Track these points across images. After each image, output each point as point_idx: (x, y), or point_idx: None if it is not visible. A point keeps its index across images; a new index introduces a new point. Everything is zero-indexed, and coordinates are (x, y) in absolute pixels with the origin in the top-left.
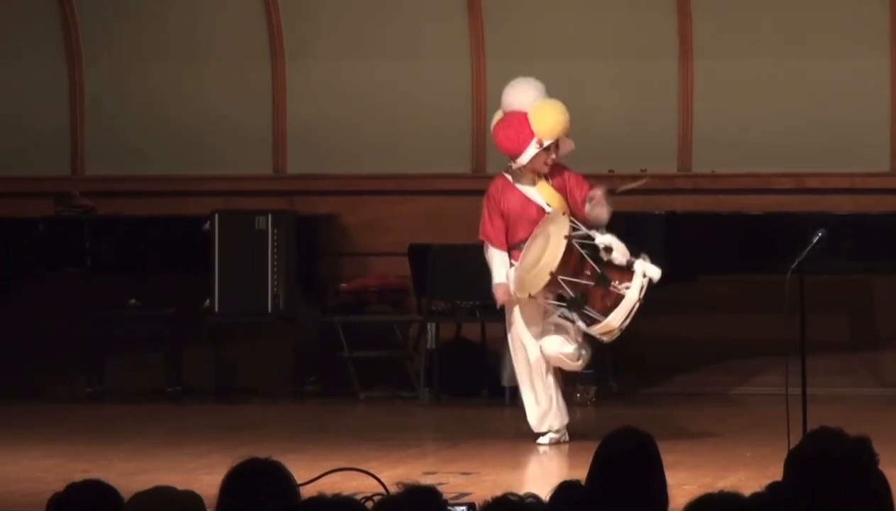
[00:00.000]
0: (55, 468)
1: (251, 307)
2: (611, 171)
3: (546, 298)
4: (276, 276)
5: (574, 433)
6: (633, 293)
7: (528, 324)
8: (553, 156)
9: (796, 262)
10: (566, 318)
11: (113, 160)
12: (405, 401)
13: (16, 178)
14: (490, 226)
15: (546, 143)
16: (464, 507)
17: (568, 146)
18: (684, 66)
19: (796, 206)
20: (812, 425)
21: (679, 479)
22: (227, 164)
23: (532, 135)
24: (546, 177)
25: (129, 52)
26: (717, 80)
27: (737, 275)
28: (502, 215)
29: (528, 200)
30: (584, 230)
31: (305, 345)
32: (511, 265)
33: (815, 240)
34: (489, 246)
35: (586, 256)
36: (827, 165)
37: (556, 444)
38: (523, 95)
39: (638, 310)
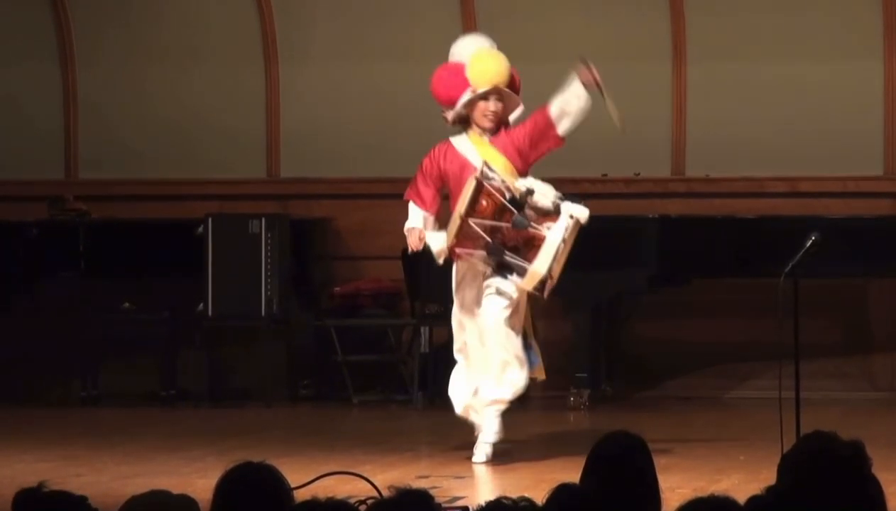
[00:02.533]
0: (50, 472)
1: (245, 311)
2: (604, 174)
3: (469, 253)
4: (269, 280)
5: (567, 437)
6: (555, 234)
7: (459, 288)
8: (492, 107)
9: (790, 266)
10: (498, 274)
11: (107, 164)
12: (399, 404)
13: (9, 181)
14: (418, 188)
15: (481, 91)
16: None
17: (514, 103)
18: (678, 69)
19: (790, 210)
20: (806, 429)
21: (672, 482)
22: (221, 167)
23: (467, 83)
24: (487, 137)
25: (122, 55)
26: (711, 83)
27: (730, 278)
28: (439, 179)
29: (466, 163)
30: (511, 170)
31: (299, 348)
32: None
33: (809, 243)
34: (410, 205)
35: (504, 200)
36: (820, 169)
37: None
38: (466, 49)
39: (567, 254)
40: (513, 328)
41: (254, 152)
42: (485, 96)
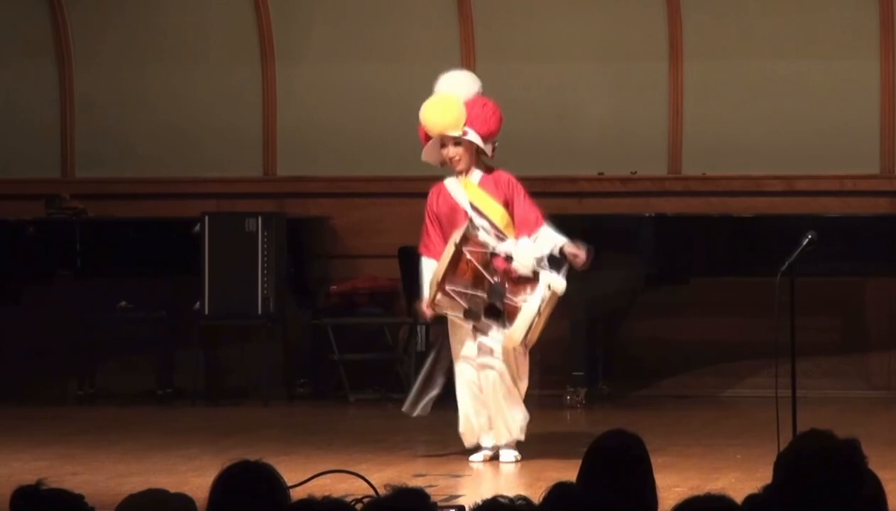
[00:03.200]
0: (46, 470)
1: (241, 309)
2: (601, 173)
3: (454, 312)
4: (266, 279)
5: (564, 435)
6: (531, 305)
7: (458, 342)
8: (450, 154)
9: (786, 265)
10: (477, 329)
11: (103, 162)
12: (395, 403)
13: (6, 180)
14: (426, 238)
15: (430, 141)
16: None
17: (476, 142)
18: (674, 68)
19: (787, 209)
20: (802, 428)
21: (669, 481)
22: (217, 166)
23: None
24: (476, 177)
25: (119, 54)
26: (708, 82)
27: (727, 277)
28: (439, 224)
29: (456, 206)
30: (483, 238)
31: (296, 347)
32: None
33: (806, 242)
34: (424, 259)
35: (479, 267)
36: (817, 168)
37: (488, 461)
38: (438, 88)
39: (545, 321)
40: (515, 379)
41: (250, 151)
42: (443, 143)
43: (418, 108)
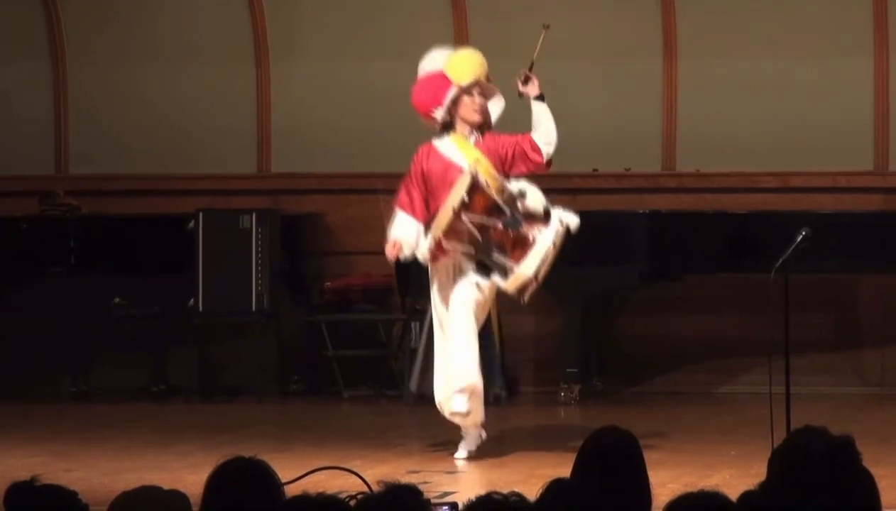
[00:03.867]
0: (40, 467)
1: (236, 306)
2: (595, 170)
3: (455, 248)
4: (260, 275)
5: (558, 432)
6: (546, 238)
7: (441, 300)
8: (479, 100)
9: (780, 262)
10: (479, 274)
11: (97, 159)
12: (389, 399)
13: (0, 177)
14: (404, 193)
15: (465, 85)
16: (446, 507)
17: (492, 92)
18: (668, 65)
19: (781, 206)
20: (796, 424)
21: (663, 477)
22: (211, 163)
23: (449, 82)
24: (473, 138)
25: (113, 51)
26: (702, 79)
27: (721, 274)
28: (423, 181)
29: (450, 164)
30: (495, 175)
31: (290, 344)
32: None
33: (799, 239)
34: (400, 213)
35: (496, 198)
36: (811, 165)
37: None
38: (435, 58)
39: (553, 260)
40: (475, 320)
41: (244, 148)
42: (468, 91)
43: (412, 105)
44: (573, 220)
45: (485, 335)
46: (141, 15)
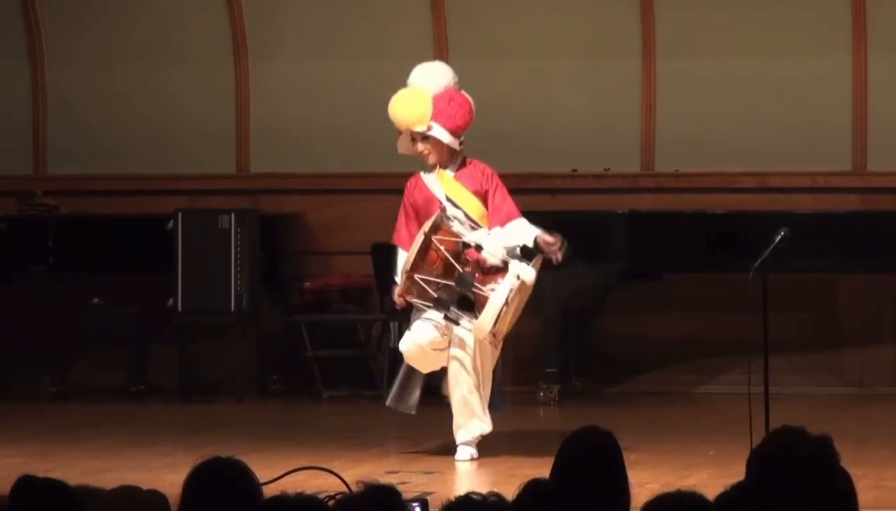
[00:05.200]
0: (19, 467)
1: (215, 306)
2: (574, 170)
3: (421, 300)
4: (239, 275)
5: (537, 432)
6: (499, 295)
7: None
8: (419, 148)
9: (759, 261)
10: (447, 322)
11: (76, 159)
12: (369, 399)
13: None
14: (401, 228)
15: (401, 132)
16: (417, 505)
17: (444, 137)
18: (647, 65)
19: (759, 205)
20: (775, 424)
21: (642, 477)
22: (190, 162)
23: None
24: (451, 170)
25: (91, 50)
26: (681, 79)
27: (700, 274)
28: (415, 214)
29: (431, 197)
30: (456, 228)
31: (269, 344)
32: None
33: (778, 238)
34: (398, 249)
35: (449, 256)
36: (790, 164)
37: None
38: (411, 80)
39: (519, 311)
40: (477, 370)
41: (223, 148)
42: (412, 138)
43: None
44: (529, 275)
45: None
46: (120, 15)
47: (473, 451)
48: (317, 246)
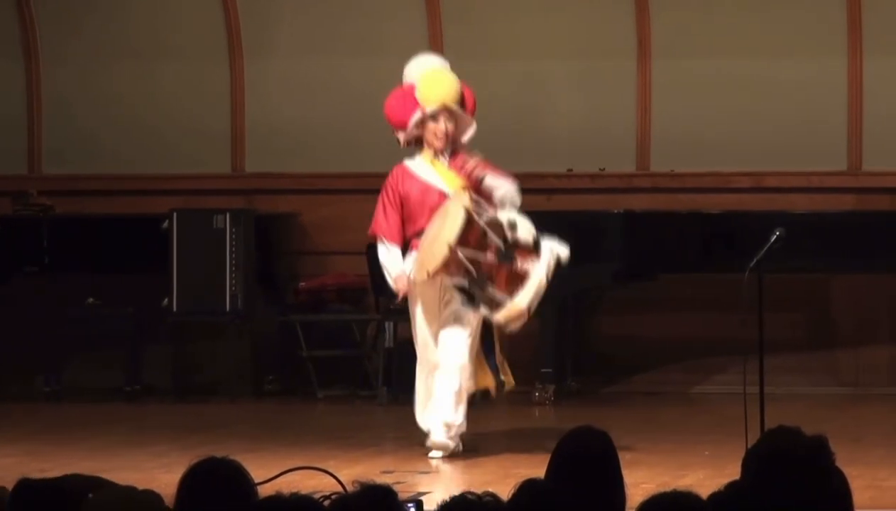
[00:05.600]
0: (13, 467)
1: (210, 306)
2: (569, 170)
3: (448, 278)
4: (234, 275)
5: (532, 432)
6: (539, 272)
7: (426, 320)
8: (442, 127)
9: (754, 261)
10: (467, 305)
11: (71, 159)
12: (364, 400)
13: None
14: (383, 219)
15: (430, 111)
16: (411, 505)
17: (465, 122)
18: (643, 65)
19: (755, 205)
20: (770, 424)
21: (637, 477)
22: (185, 162)
23: (416, 104)
24: (445, 159)
25: (86, 50)
26: (676, 79)
27: (696, 274)
28: (400, 206)
29: (428, 186)
30: (486, 206)
31: (264, 344)
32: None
33: (773, 239)
34: (380, 241)
35: (489, 231)
36: (785, 164)
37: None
38: (417, 69)
39: (545, 292)
40: (470, 361)
41: (218, 147)
42: (434, 116)
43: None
44: (563, 252)
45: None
46: (115, 14)
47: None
48: (312, 246)
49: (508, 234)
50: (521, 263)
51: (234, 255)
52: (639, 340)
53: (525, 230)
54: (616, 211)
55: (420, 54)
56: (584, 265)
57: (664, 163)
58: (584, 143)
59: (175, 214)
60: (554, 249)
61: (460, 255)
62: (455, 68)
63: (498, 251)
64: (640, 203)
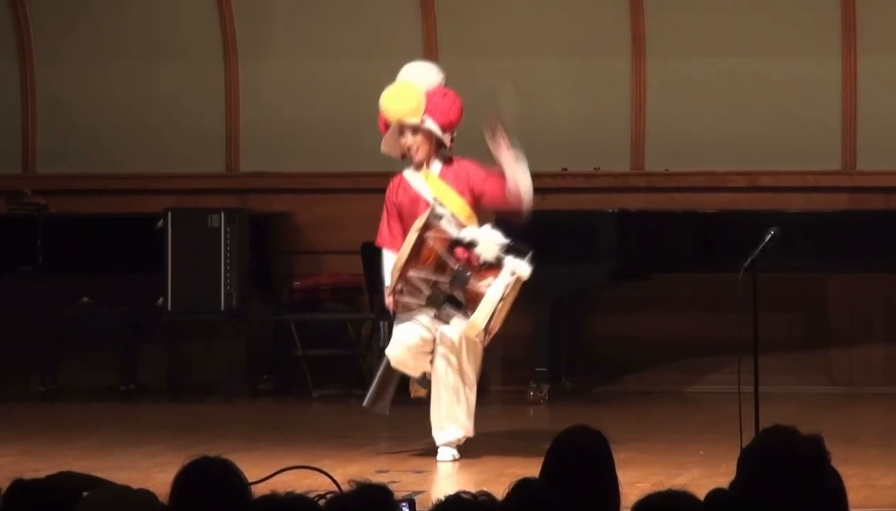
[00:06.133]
0: (8, 467)
1: (204, 305)
2: (564, 169)
3: (407, 303)
4: (229, 274)
5: (527, 432)
6: (494, 291)
7: (401, 328)
8: (408, 142)
9: (749, 261)
10: (439, 318)
11: (65, 158)
12: (358, 399)
13: None
14: (387, 230)
15: (391, 128)
16: (405, 504)
17: (434, 133)
18: (637, 64)
19: (749, 205)
20: (765, 423)
21: (632, 477)
22: (180, 162)
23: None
24: (433, 169)
25: (81, 50)
26: (670, 78)
27: (690, 273)
28: (399, 215)
29: (417, 197)
30: (445, 226)
31: (259, 343)
32: None
33: (768, 238)
34: (385, 251)
35: (443, 253)
36: (780, 164)
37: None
38: (399, 79)
39: (510, 309)
40: (465, 371)
41: (213, 147)
42: (401, 131)
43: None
44: (524, 271)
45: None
46: (109, 14)
47: (455, 453)
48: (306, 245)
49: (468, 262)
50: (477, 284)
51: (228, 255)
52: (633, 340)
53: (487, 248)
54: (610, 210)
55: (413, 61)
56: (578, 265)
57: (659, 162)
58: (578, 142)
59: (169, 214)
60: (515, 270)
61: (412, 278)
62: (449, 68)
63: (453, 273)
64: (634, 202)
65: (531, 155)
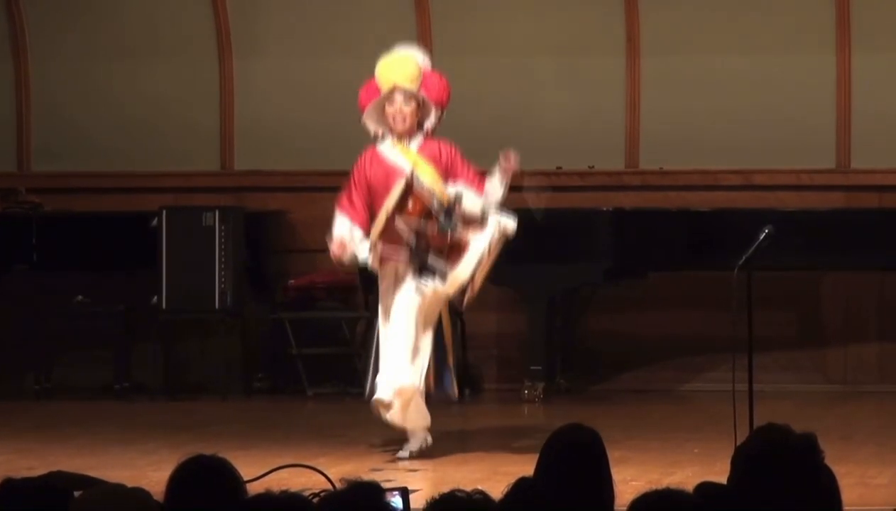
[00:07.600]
0: (2, 465)
1: (199, 304)
2: (558, 167)
3: (391, 253)
4: (224, 273)
5: (521, 430)
6: (480, 242)
7: (384, 309)
8: (396, 107)
9: (743, 259)
10: (416, 277)
11: (60, 156)
12: (353, 397)
13: None
14: (347, 199)
15: (383, 93)
16: (397, 492)
17: (427, 106)
18: (632, 62)
19: (744, 203)
20: (759, 422)
21: (626, 475)
22: (175, 160)
23: (378, 91)
24: (412, 143)
25: (76, 47)
26: (665, 76)
27: (685, 271)
28: (367, 188)
29: (393, 169)
30: (436, 177)
31: (254, 341)
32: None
33: (762, 236)
34: (338, 215)
35: (431, 201)
36: (774, 162)
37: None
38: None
39: (490, 268)
40: (422, 323)
41: (208, 145)
42: (390, 99)
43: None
44: (509, 224)
45: (436, 337)
46: (104, 12)
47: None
48: (301, 243)
49: (454, 205)
50: (464, 234)
51: (223, 253)
52: (628, 338)
53: (471, 202)
54: (605, 209)
55: (397, 47)
56: (573, 263)
57: (653, 160)
58: (573, 140)
59: (164, 212)
60: (500, 222)
61: (399, 223)
62: (444, 66)
63: (438, 220)
64: (629, 201)
65: (526, 153)
